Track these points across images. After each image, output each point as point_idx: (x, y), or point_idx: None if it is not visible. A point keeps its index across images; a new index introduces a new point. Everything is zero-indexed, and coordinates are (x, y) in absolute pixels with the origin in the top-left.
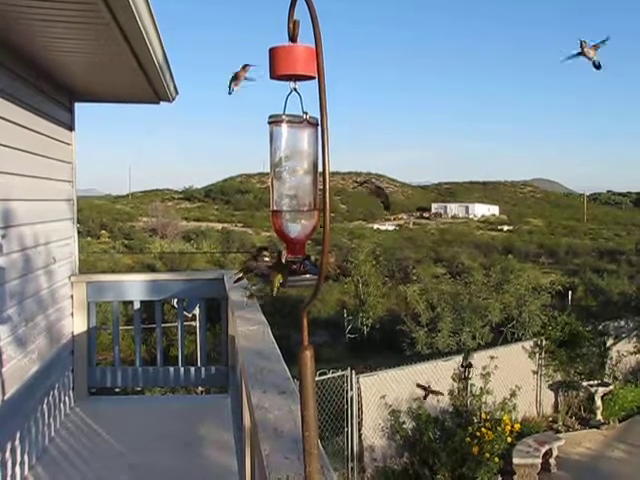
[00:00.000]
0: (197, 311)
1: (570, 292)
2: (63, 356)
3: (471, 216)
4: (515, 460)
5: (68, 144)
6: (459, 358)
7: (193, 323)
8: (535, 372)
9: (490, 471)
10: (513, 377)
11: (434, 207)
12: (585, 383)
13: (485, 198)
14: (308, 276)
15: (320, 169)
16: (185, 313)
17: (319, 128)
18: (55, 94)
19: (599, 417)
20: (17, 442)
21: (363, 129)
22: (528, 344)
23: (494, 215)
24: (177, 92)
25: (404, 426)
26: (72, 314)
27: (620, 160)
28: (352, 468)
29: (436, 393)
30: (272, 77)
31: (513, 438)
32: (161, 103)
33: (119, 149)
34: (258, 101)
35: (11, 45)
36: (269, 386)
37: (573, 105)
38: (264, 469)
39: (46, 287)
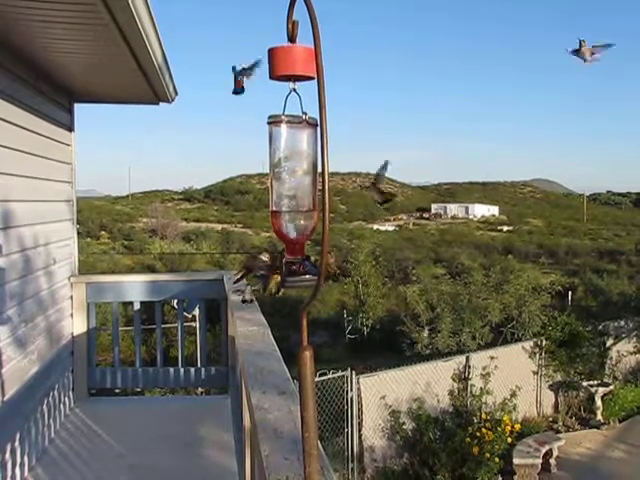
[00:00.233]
0: (197, 312)
1: (570, 292)
2: (63, 357)
3: (471, 216)
4: (515, 460)
5: (68, 145)
6: (459, 358)
7: (193, 324)
8: (535, 372)
9: (490, 471)
10: (513, 377)
11: (434, 207)
12: (585, 383)
13: (485, 198)
14: (308, 277)
15: (319, 169)
16: (185, 314)
17: (318, 129)
18: (55, 95)
19: (599, 417)
20: (17, 443)
21: (363, 129)
22: (528, 344)
23: (494, 215)
24: (176, 93)
25: (404, 427)
26: (72, 315)
27: (620, 160)
28: (352, 469)
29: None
30: (271, 77)
31: (513, 438)
32: (161, 104)
33: (119, 150)
34: (258, 101)
35: (11, 46)
36: (269, 387)
37: (573, 105)
38: (264, 470)
39: (46, 288)
